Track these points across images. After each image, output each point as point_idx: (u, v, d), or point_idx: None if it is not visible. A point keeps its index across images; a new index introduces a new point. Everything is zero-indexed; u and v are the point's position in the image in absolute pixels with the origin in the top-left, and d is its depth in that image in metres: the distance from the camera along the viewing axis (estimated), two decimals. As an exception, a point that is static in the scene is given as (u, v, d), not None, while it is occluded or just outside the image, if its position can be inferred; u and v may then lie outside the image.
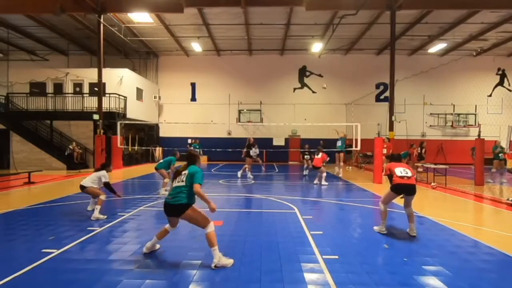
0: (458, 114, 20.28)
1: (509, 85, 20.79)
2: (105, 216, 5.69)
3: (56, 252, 3.95)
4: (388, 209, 5.11)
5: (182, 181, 3.64)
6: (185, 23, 15.98)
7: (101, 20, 13.73)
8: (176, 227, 3.94)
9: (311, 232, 4.90)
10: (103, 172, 5.98)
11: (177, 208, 3.58)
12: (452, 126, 20.23)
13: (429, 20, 15.12)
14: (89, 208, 6.25)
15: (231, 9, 14.28)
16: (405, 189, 4.79)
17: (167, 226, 3.91)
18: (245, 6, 13.33)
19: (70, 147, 14.77)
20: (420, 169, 11.16)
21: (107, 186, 5.90)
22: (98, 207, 5.67)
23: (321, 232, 4.93)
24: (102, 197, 5.77)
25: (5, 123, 14.98)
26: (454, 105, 20.21)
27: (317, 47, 17.69)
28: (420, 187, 9.44)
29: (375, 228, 5.13)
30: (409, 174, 4.80)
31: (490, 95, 20.71)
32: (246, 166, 12.18)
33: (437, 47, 18.15)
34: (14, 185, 9.50)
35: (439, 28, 16.31)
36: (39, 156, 14.54)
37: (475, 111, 20.01)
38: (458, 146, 19.68)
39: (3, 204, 6.87)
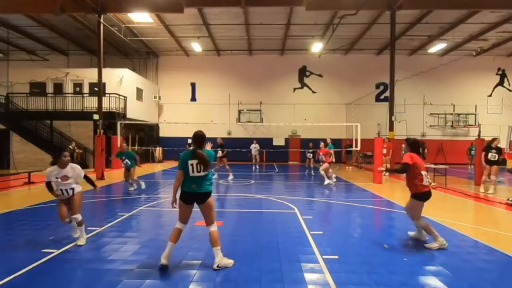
0: (458, 114, 20.29)
1: (509, 85, 20.79)
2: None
3: (56, 252, 3.95)
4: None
5: (204, 170, 3.55)
6: (185, 23, 15.98)
7: (101, 20, 13.72)
8: (188, 223, 3.71)
9: (311, 232, 4.90)
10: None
11: (204, 195, 3.58)
12: (452, 126, 20.23)
13: (429, 20, 15.12)
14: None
15: (231, 9, 14.27)
16: (430, 197, 4.30)
17: (179, 225, 3.64)
18: (245, 6, 13.33)
19: (70, 147, 14.76)
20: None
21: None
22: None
23: (321, 232, 4.93)
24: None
25: (5, 123, 14.99)
26: (454, 105, 20.23)
27: (317, 47, 17.68)
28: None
29: (432, 245, 4.15)
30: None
31: (490, 95, 20.71)
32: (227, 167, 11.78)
33: (437, 47, 18.14)
34: (14, 185, 9.50)
35: (439, 28, 16.30)
36: (39, 156, 14.54)
37: (475, 111, 20.01)
38: (458, 146, 19.68)
39: (4, 204, 6.87)
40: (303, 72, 21.31)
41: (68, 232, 4.74)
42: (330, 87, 21.14)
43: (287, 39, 18.18)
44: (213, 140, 18.75)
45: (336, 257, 3.88)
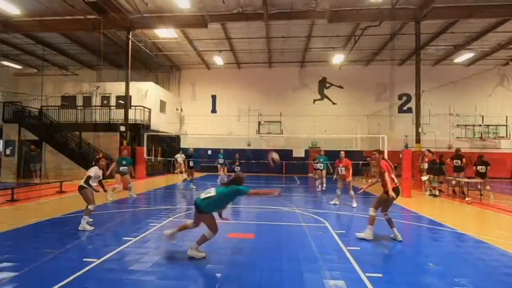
0: (487, 126, 19.42)
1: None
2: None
3: (96, 262, 4.02)
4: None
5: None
6: (208, 37, 16.44)
7: (130, 37, 14.38)
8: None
9: (347, 247, 4.75)
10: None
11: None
12: (481, 138, 19.35)
13: (454, 30, 14.79)
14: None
15: (253, 23, 14.58)
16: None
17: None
18: (267, 20, 13.59)
19: (98, 157, 15.25)
20: (453, 182, 10.64)
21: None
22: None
23: (359, 248, 4.77)
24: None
25: (39, 135, 15.77)
26: (482, 116, 19.40)
27: (338, 58, 17.65)
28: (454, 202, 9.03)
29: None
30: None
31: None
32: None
33: (463, 57, 17.65)
34: (46, 194, 9.89)
35: (466, 38, 15.89)
36: (68, 166, 15.13)
37: (506, 123, 19.10)
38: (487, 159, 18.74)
39: (37, 213, 7.13)
40: (323, 84, 21.26)
41: (103, 242, 4.82)
42: (351, 98, 20.93)
43: (308, 51, 18.28)
44: (232, 151, 18.70)
45: (380, 275, 3.73)
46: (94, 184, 5.94)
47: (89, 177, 5.80)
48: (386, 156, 12.32)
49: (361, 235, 5.18)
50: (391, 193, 4.92)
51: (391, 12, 12.10)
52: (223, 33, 15.66)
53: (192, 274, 3.69)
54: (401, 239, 5.07)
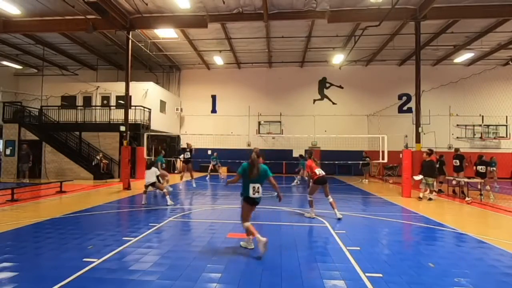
0: (488, 126, 19.42)
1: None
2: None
3: (96, 262, 4.02)
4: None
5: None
6: (208, 37, 16.44)
7: (130, 37, 14.36)
8: None
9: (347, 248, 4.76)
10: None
11: None
12: (481, 138, 19.35)
13: (454, 30, 14.79)
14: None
15: (253, 23, 14.59)
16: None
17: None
18: (267, 20, 13.58)
19: (98, 157, 15.29)
20: (453, 182, 10.62)
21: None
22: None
23: (359, 248, 4.77)
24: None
25: (39, 135, 15.77)
26: (482, 116, 19.40)
27: (337, 58, 17.62)
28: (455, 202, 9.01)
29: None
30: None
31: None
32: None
33: (463, 57, 17.65)
34: (46, 194, 9.88)
35: (466, 38, 15.89)
36: (68, 166, 15.13)
37: (506, 123, 19.10)
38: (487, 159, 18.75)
39: (37, 213, 7.13)
40: (323, 84, 21.26)
41: (105, 242, 4.83)
42: (351, 98, 20.94)
43: (308, 51, 18.28)
44: (232, 151, 18.72)
45: (380, 275, 3.73)
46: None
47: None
48: (386, 156, 12.42)
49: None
50: None
51: (391, 12, 12.07)
52: (223, 33, 15.65)
53: (192, 274, 3.69)
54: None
